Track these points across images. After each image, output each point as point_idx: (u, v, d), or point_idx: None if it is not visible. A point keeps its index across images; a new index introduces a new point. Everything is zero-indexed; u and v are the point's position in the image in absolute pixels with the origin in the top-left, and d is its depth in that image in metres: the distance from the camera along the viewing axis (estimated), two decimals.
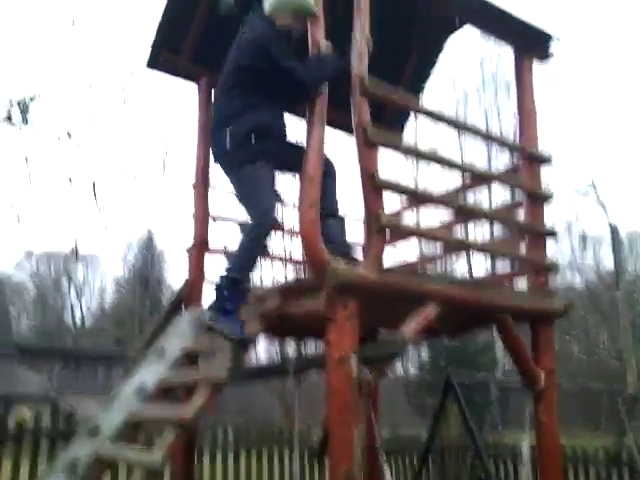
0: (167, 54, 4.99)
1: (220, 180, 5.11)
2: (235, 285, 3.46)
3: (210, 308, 3.55)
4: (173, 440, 3.17)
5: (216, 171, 5.03)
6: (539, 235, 4.48)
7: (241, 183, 3.52)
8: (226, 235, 5.02)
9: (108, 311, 40.90)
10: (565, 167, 23.67)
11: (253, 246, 3.53)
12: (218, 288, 3.50)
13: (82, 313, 41.05)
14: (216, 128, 3.61)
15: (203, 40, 4.98)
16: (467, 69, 25.45)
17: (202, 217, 4.86)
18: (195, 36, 5.00)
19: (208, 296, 4.69)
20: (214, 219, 4.91)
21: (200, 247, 4.83)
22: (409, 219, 4.36)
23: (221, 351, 3.54)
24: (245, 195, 3.56)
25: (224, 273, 3.50)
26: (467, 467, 7.75)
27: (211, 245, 4.87)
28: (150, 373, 3.88)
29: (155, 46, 4.94)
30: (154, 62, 5.03)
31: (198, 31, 4.98)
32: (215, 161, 3.76)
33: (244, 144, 3.42)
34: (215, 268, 5.00)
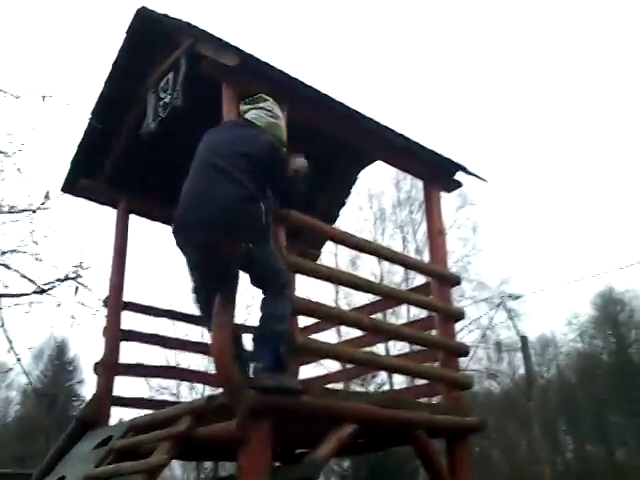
0: (84, 180, 5.01)
1: (134, 297, 5.05)
2: (285, 337, 3.45)
3: (264, 368, 3.34)
4: None
5: (130, 290, 5.00)
6: (452, 352, 4.58)
7: (266, 254, 3.48)
8: (137, 354, 4.88)
9: (11, 425, 37.90)
10: (480, 278, 24.67)
11: (288, 300, 3.54)
12: (265, 345, 3.39)
13: None
14: (208, 201, 3.33)
15: (121, 165, 5.07)
16: (383, 188, 26.72)
17: (112, 334, 4.74)
18: (113, 162, 5.08)
19: (115, 416, 4.48)
20: (126, 337, 4.78)
21: (108, 364, 4.66)
22: (327, 337, 4.39)
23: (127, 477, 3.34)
24: (271, 263, 3.53)
25: (273, 329, 3.41)
26: None
27: (120, 363, 4.71)
28: None
29: (71, 173, 4.97)
30: (69, 187, 5.04)
31: (116, 157, 5.07)
32: (191, 231, 3.38)
33: (261, 222, 3.37)
34: (124, 386, 4.82)
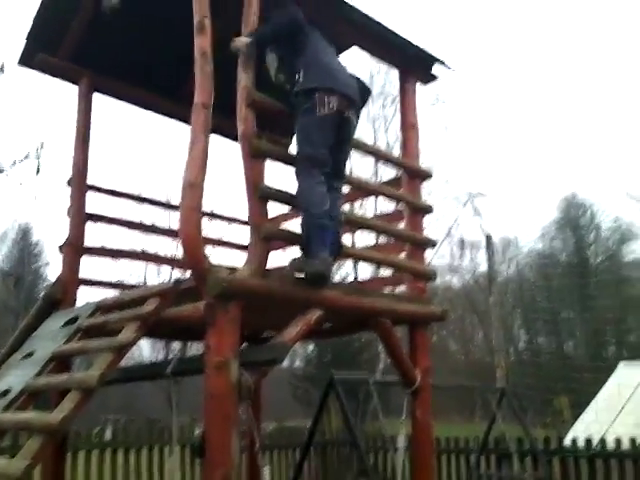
0: (42, 53, 4.69)
1: (99, 180, 4.95)
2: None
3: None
4: (40, 448, 3.00)
5: (94, 171, 4.87)
6: (418, 244, 4.65)
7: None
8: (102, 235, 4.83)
9: None
10: (448, 176, 24.78)
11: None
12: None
13: None
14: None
15: (84, 39, 4.76)
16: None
17: (77, 215, 4.68)
18: (75, 35, 4.76)
19: (83, 299, 4.50)
20: (91, 218, 4.73)
21: (74, 245, 4.63)
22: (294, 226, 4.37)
23: (95, 354, 3.40)
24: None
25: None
26: (347, 460, 7.94)
27: (86, 246, 4.69)
28: (17, 377, 3.66)
29: (28, 44, 4.63)
30: (27, 60, 4.73)
31: (79, 30, 4.74)
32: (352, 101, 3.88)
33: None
34: (92, 271, 4.81)
